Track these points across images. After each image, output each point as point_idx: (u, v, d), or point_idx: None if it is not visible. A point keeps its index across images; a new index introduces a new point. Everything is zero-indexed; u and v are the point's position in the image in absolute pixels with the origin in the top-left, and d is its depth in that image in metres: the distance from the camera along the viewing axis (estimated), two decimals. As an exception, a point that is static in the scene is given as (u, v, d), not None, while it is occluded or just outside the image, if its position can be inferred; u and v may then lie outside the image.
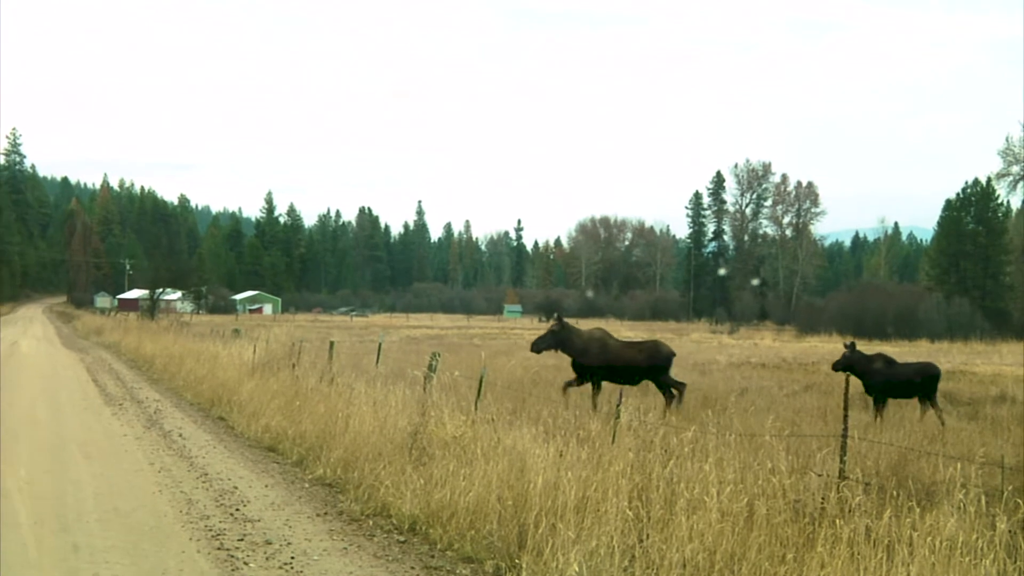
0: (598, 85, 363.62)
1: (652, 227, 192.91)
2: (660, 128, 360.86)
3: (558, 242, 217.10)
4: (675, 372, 22.62)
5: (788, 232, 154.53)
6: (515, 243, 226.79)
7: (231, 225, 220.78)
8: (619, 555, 7.71)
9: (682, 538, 7.74)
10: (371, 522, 10.04)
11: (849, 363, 20.04)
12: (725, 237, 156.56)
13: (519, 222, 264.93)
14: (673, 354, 23.31)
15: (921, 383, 19.91)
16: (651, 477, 9.11)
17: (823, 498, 8.30)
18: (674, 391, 22.04)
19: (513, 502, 9.05)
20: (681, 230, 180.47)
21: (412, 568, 8.51)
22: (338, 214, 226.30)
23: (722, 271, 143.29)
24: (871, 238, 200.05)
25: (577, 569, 7.48)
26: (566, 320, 23.60)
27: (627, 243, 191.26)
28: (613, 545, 7.82)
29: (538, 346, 23.66)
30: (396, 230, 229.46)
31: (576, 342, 22.80)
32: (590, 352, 22.67)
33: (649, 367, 22.41)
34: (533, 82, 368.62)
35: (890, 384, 19.63)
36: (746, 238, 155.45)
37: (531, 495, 8.91)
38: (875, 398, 19.62)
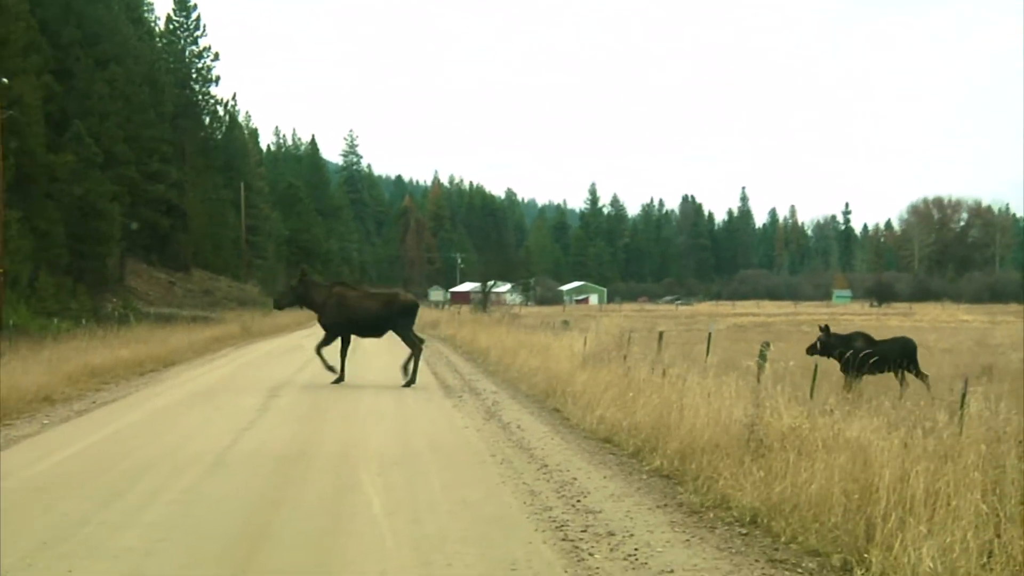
0: (926, 64, 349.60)
1: (990, 206, 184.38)
2: (999, 103, 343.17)
3: (888, 224, 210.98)
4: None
5: None
6: (843, 227, 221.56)
7: (556, 217, 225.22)
8: (975, 551, 7.40)
9: (1044, 534, 7.36)
10: (711, 514, 9.99)
11: (826, 347, 19.60)
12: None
13: (847, 205, 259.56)
14: (415, 304, 23.90)
15: (902, 358, 19.63)
16: (1005, 470, 8.71)
17: None
18: (412, 346, 22.85)
19: (859, 495, 8.83)
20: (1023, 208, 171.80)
21: (756, 561, 8.41)
22: (661, 203, 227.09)
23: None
24: None
25: (931, 565, 7.22)
26: (309, 275, 24.48)
27: (962, 223, 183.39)
28: (967, 540, 7.52)
29: (279, 302, 24.90)
30: (720, 217, 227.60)
31: (315, 297, 23.40)
32: (328, 307, 23.14)
33: (387, 316, 23.03)
34: (858, 65, 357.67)
35: (878, 361, 18.84)
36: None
37: (878, 488, 8.67)
38: (855, 374, 18.54)
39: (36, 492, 10.84)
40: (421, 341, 23.09)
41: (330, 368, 22.90)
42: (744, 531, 9.34)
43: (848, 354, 18.82)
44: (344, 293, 23.87)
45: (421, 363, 30.10)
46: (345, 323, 23.22)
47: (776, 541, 8.93)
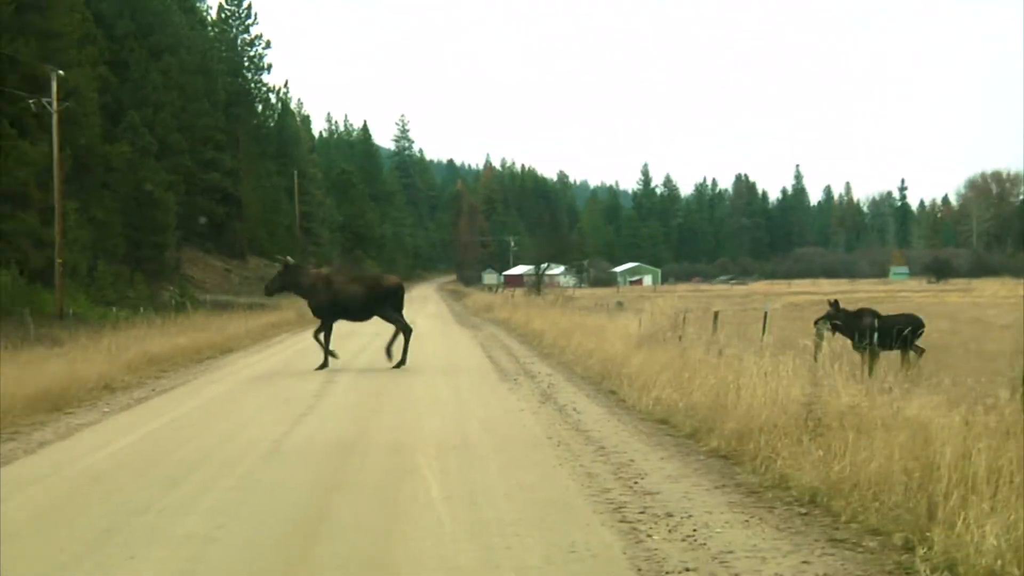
0: (983, 35, 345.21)
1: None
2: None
3: (945, 200, 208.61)
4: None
5: None
6: (899, 203, 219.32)
7: (609, 199, 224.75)
8: (1041, 529, 7.29)
9: (1111, 512, 7.24)
10: (770, 494, 9.92)
11: (835, 321, 19.53)
12: None
13: (903, 181, 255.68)
14: (398, 286, 24.17)
15: (909, 333, 19.28)
16: (1070, 446, 8.58)
17: None
18: (399, 330, 23.34)
19: (920, 473, 8.73)
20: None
21: (817, 540, 8.33)
22: (714, 182, 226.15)
23: None
24: None
25: (995, 543, 7.12)
26: (294, 262, 24.96)
27: (1022, 197, 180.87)
28: (1031, 518, 7.40)
29: (269, 288, 25.32)
30: (774, 195, 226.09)
31: (303, 282, 23.76)
32: (316, 291, 23.45)
33: (373, 299, 23.38)
34: (914, 38, 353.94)
35: (881, 336, 18.89)
36: None
37: (939, 466, 8.56)
38: (869, 351, 18.37)
39: (97, 480, 10.98)
40: (408, 328, 23.44)
41: (329, 353, 23.18)
42: (804, 511, 9.26)
43: (864, 330, 18.89)
44: (330, 278, 24.35)
45: (477, 347, 30.22)
46: (332, 307, 23.48)
47: (836, 520, 8.84)
